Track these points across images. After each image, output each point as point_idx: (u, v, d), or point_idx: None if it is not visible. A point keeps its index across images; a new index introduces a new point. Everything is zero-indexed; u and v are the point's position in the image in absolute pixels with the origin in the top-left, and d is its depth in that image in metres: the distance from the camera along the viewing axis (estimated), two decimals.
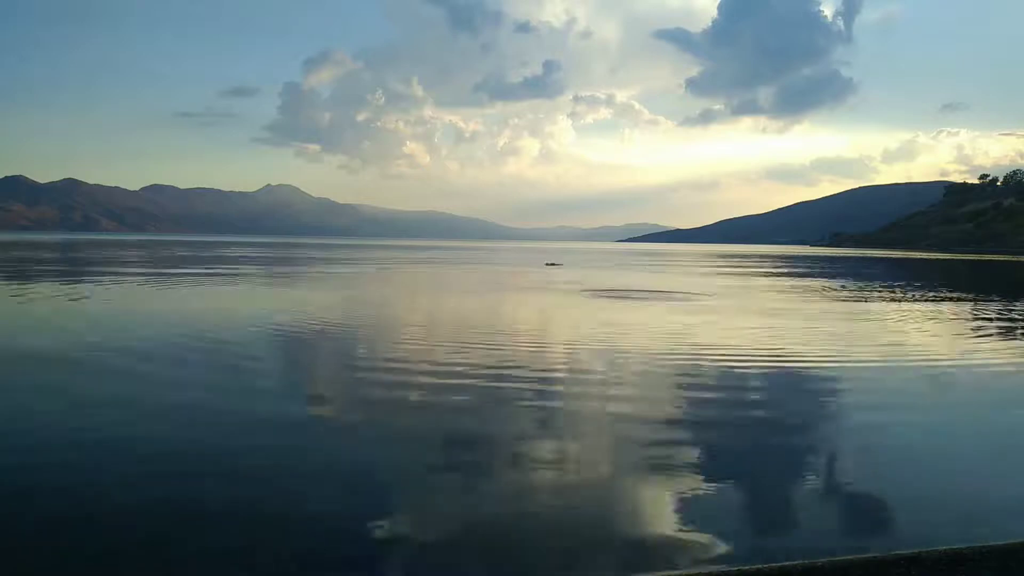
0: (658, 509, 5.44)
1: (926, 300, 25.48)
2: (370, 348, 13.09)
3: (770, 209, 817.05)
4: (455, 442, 7.07)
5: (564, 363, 11.62)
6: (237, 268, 41.08)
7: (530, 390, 9.33)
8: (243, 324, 15.62)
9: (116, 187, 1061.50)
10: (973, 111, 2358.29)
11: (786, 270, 52.04)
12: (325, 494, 5.43)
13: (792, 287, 32.12)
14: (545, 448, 6.94)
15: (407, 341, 14.06)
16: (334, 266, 48.22)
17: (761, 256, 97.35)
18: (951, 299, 26.15)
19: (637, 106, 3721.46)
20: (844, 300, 25.13)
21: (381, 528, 4.90)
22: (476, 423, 7.75)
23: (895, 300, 25.31)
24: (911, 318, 19.35)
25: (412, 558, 4.53)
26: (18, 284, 26.12)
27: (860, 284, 34.80)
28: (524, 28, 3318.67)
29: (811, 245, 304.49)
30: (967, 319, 19.49)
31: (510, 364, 11.07)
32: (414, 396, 9.04)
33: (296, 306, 19.62)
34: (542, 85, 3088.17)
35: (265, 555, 4.47)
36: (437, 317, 19.05)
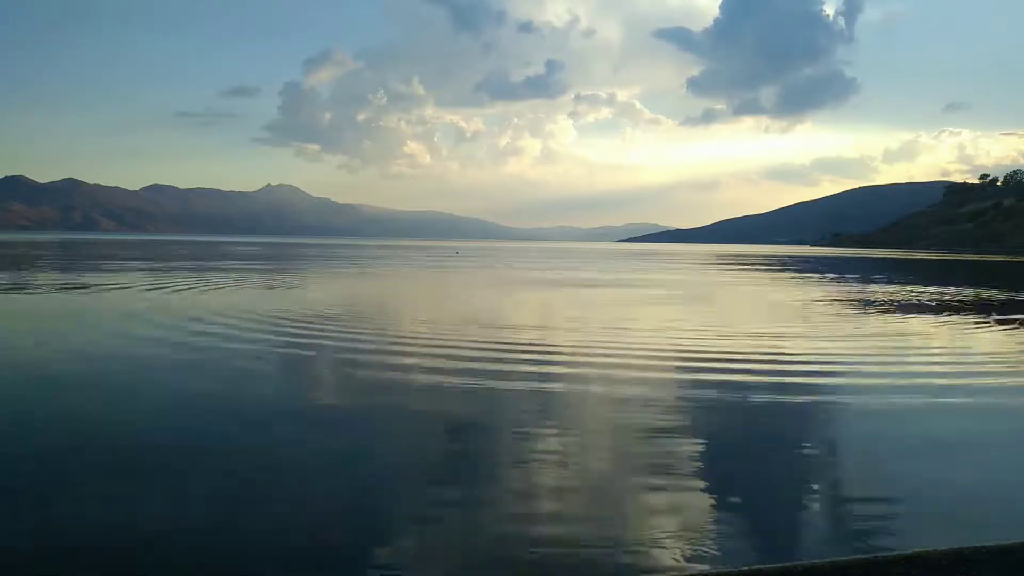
0: (657, 511, 5.34)
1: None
2: None
3: (770, 209, 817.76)
4: None
5: None
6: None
7: None
8: None
9: (116, 187, 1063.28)
10: (976, 111, 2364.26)
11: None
12: None
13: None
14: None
15: None
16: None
17: (763, 258, 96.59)
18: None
19: (638, 105, 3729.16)
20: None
21: None
22: None
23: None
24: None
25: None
26: None
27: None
28: (527, 28, 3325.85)
29: (811, 245, 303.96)
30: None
31: None
32: None
33: None
34: (544, 85, 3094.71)
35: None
36: None
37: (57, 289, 24.34)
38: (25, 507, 5.17)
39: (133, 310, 17.65)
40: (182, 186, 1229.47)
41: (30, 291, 23.65)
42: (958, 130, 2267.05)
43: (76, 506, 5.21)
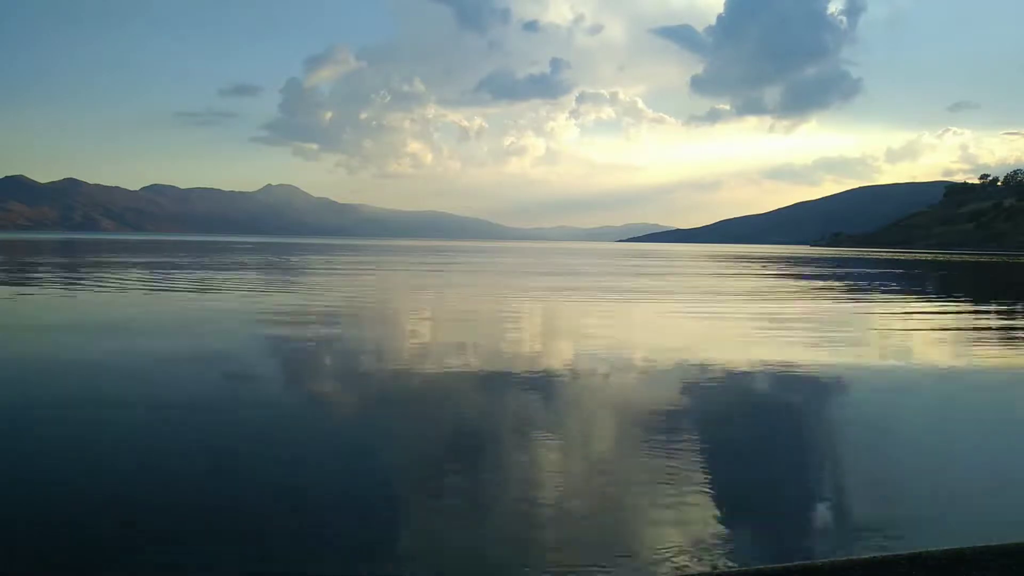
0: (657, 510, 5.33)
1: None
2: None
3: (771, 209, 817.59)
4: None
5: None
6: None
7: None
8: None
9: (116, 187, 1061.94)
10: (980, 111, 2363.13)
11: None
12: None
13: None
14: None
15: None
16: None
17: (760, 259, 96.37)
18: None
19: (641, 104, 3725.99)
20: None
21: None
22: None
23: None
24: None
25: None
26: None
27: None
28: (532, 27, 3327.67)
29: (811, 245, 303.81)
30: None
31: None
32: None
33: None
34: (548, 84, 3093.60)
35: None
36: None
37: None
38: None
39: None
40: (182, 186, 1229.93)
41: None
42: (961, 130, 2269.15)
43: None
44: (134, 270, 36.01)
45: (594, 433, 7.52)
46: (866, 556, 4.34)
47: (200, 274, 33.50)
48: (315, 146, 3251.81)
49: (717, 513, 5.21)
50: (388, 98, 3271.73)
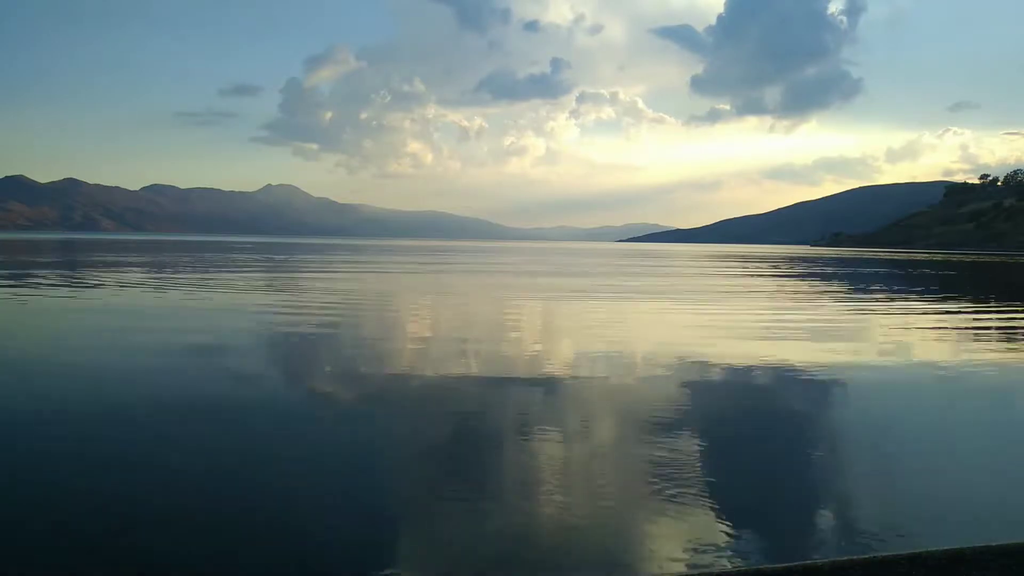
0: (656, 509, 5.32)
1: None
2: None
3: (771, 209, 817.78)
4: None
5: None
6: None
7: None
8: None
9: (116, 187, 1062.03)
10: (980, 111, 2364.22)
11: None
12: None
13: None
14: None
15: None
16: None
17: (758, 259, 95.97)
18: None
19: (641, 104, 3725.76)
20: None
21: None
22: None
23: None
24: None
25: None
26: None
27: None
28: (532, 27, 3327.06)
29: (811, 245, 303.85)
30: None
31: None
32: None
33: None
34: (548, 84, 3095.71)
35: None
36: None
37: None
38: None
39: None
40: (182, 186, 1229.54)
41: None
42: (961, 130, 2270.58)
43: None
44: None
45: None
46: (866, 556, 4.33)
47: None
48: (315, 146, 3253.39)
49: (717, 513, 5.19)
50: (388, 98, 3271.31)
